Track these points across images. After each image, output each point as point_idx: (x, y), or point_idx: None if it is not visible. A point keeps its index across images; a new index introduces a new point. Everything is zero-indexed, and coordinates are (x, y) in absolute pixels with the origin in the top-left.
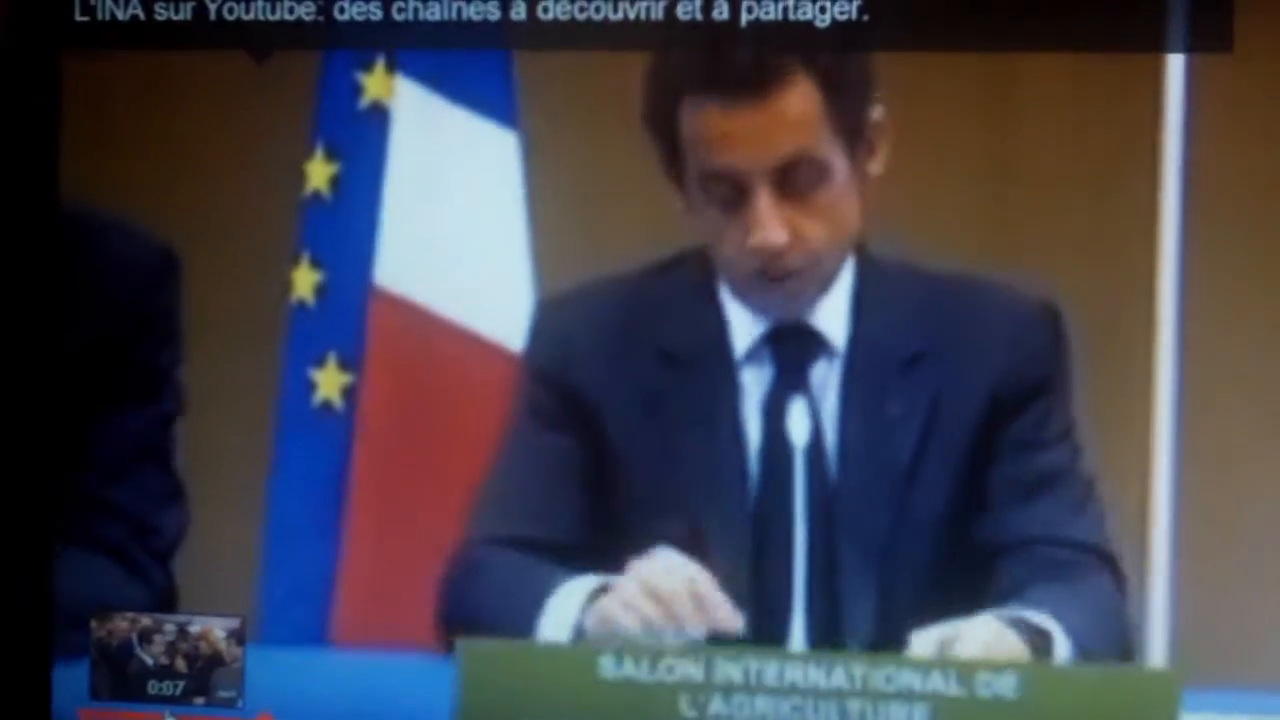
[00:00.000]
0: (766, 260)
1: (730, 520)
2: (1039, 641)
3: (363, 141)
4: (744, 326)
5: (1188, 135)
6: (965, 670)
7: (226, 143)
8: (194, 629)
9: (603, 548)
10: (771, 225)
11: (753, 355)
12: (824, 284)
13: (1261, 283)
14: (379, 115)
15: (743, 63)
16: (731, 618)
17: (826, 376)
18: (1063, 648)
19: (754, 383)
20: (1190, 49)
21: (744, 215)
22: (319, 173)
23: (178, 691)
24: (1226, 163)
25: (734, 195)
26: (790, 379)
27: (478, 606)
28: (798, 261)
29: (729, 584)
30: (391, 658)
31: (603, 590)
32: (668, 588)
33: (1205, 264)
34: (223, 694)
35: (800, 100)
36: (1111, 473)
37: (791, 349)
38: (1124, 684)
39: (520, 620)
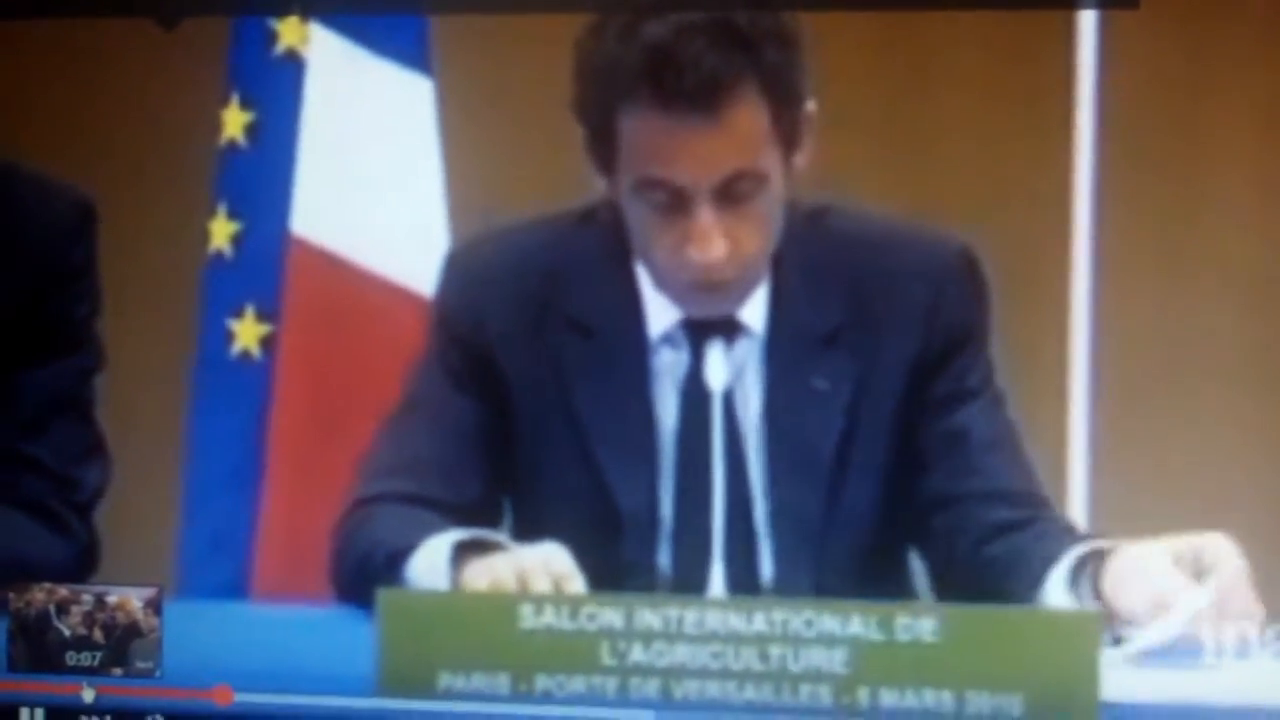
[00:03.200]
0: (702, 272)
1: (641, 495)
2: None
3: (278, 89)
4: (659, 307)
5: (1100, 88)
6: (884, 615)
7: (142, 92)
8: (111, 599)
9: (501, 513)
10: (712, 240)
11: (668, 337)
12: (753, 284)
13: (1171, 229)
14: (294, 63)
15: (693, 79)
16: None
17: (746, 356)
18: None
19: (669, 360)
20: (1098, 5)
21: (680, 224)
22: (235, 121)
23: (95, 662)
24: (1137, 112)
25: (670, 202)
26: (708, 358)
27: (357, 554)
28: (732, 271)
29: (639, 561)
30: (313, 611)
31: (476, 547)
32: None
33: (1118, 210)
34: (141, 664)
35: (748, 116)
36: (1026, 420)
37: (709, 332)
38: (1044, 625)
39: (390, 563)
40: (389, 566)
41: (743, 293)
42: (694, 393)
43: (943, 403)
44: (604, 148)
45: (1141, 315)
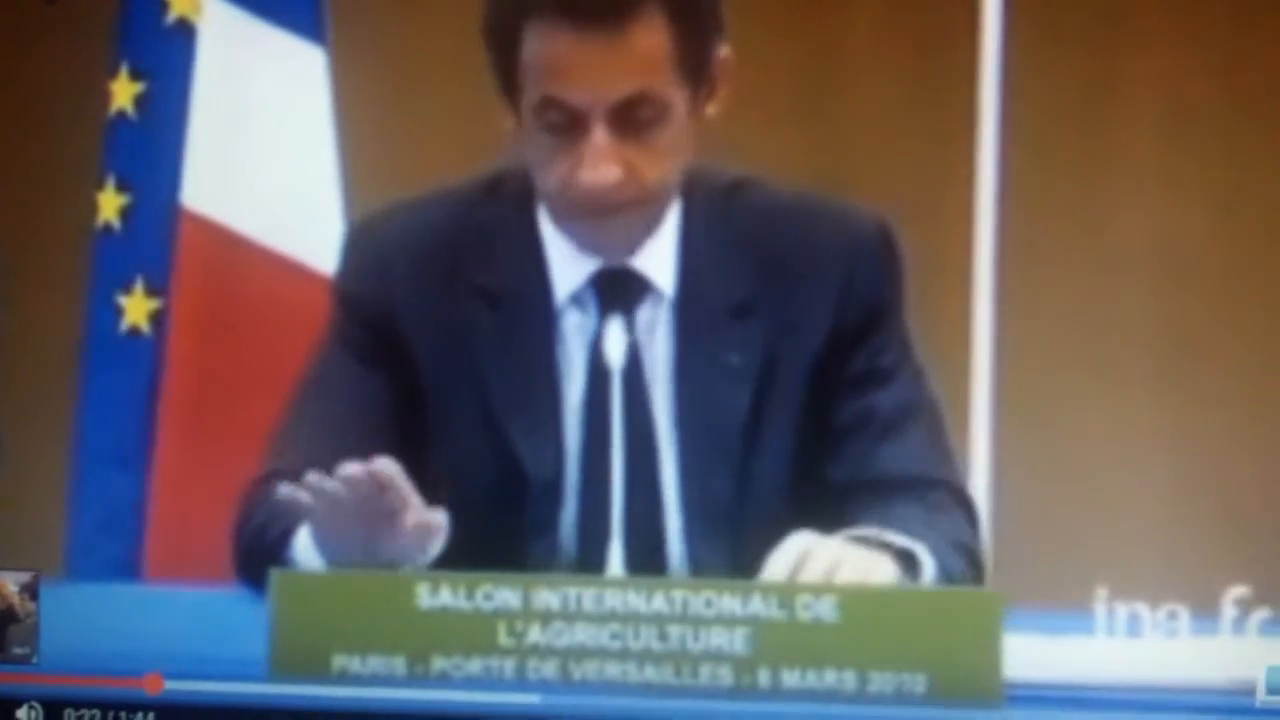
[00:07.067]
0: (595, 195)
1: (547, 463)
2: (906, 564)
3: (168, 59)
4: (566, 267)
5: (1005, 71)
6: (785, 594)
7: (28, 64)
8: None
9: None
10: (604, 162)
11: (576, 298)
12: (651, 224)
13: (1077, 209)
14: (185, 32)
15: None
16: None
17: (654, 321)
18: (929, 571)
19: (575, 323)
20: None
21: (576, 147)
22: (124, 92)
23: None
24: (1043, 70)
25: (568, 125)
26: (615, 321)
27: (251, 533)
28: (627, 195)
29: (542, 529)
30: (205, 593)
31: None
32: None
33: (1023, 191)
34: (18, 650)
35: (649, 36)
36: None
37: (616, 291)
38: (946, 604)
39: (278, 542)
40: (277, 546)
41: (640, 232)
42: (601, 357)
43: (854, 383)
44: (509, 69)
45: (1046, 294)
